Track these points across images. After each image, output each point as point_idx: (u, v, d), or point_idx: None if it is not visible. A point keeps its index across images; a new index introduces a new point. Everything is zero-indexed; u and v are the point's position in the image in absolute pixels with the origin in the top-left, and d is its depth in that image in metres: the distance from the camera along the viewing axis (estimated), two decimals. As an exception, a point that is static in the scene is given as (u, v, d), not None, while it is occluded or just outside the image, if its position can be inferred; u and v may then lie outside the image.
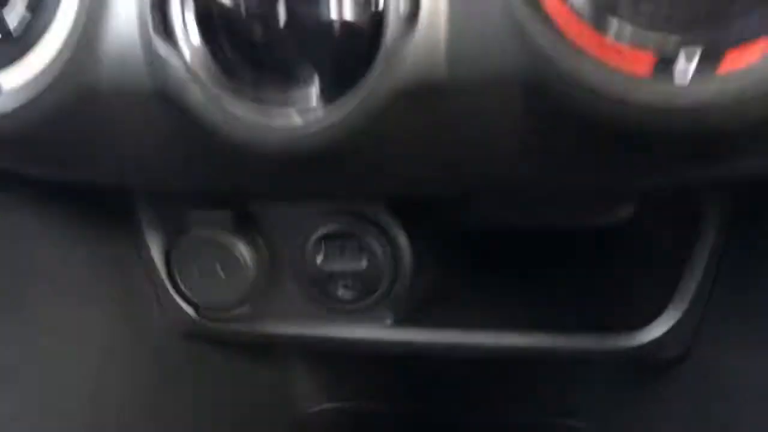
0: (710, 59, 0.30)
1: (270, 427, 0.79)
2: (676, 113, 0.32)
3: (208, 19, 0.35)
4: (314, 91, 0.36)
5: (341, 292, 0.61)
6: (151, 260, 0.64)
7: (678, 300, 0.56)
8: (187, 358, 0.68)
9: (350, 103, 0.34)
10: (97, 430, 0.58)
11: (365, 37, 0.34)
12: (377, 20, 0.33)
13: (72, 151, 0.45)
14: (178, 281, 0.64)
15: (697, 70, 0.31)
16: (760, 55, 0.30)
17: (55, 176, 0.50)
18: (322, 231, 0.59)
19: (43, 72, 0.39)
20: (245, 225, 0.61)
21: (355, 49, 0.34)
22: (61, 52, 0.38)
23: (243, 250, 0.61)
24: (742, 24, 0.29)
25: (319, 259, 0.60)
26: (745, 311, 0.52)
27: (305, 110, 0.36)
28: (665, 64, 0.31)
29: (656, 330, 0.57)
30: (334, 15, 0.33)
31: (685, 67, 0.31)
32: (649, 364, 0.59)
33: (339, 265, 0.60)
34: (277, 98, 0.36)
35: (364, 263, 0.59)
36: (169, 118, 0.39)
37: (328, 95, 0.35)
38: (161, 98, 0.38)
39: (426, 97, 0.34)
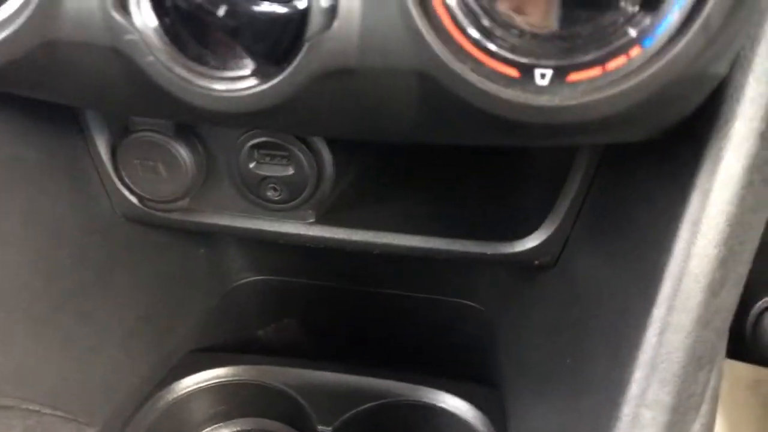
0: (559, 75, 0.39)
1: (204, 296, 0.91)
2: (535, 108, 0.41)
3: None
4: (249, 65, 0.43)
5: (270, 194, 0.70)
6: (98, 155, 0.71)
7: (552, 218, 0.67)
8: (132, 240, 0.77)
9: (278, 80, 0.42)
10: (54, 305, 0.67)
11: (292, 28, 0.41)
12: (302, 15, 0.40)
13: (36, 82, 0.51)
14: (123, 176, 0.71)
15: (551, 80, 0.40)
16: (599, 74, 0.39)
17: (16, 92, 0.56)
18: (255, 140, 0.67)
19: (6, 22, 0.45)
20: (185, 132, 0.68)
21: (283, 38, 0.41)
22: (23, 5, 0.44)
23: (183, 153, 0.68)
24: (581, 56, 0.38)
25: (251, 164, 0.68)
26: (606, 231, 0.64)
27: (241, 78, 0.43)
28: (528, 74, 0.40)
29: (532, 241, 0.68)
30: (265, 8, 0.40)
31: (541, 79, 0.40)
32: (525, 267, 0.71)
33: (269, 171, 0.68)
34: (218, 69, 0.43)
35: (291, 170, 0.68)
36: (124, 69, 0.45)
37: (261, 74, 0.42)
38: (116, 53, 0.44)
39: (339, 78, 0.42)
